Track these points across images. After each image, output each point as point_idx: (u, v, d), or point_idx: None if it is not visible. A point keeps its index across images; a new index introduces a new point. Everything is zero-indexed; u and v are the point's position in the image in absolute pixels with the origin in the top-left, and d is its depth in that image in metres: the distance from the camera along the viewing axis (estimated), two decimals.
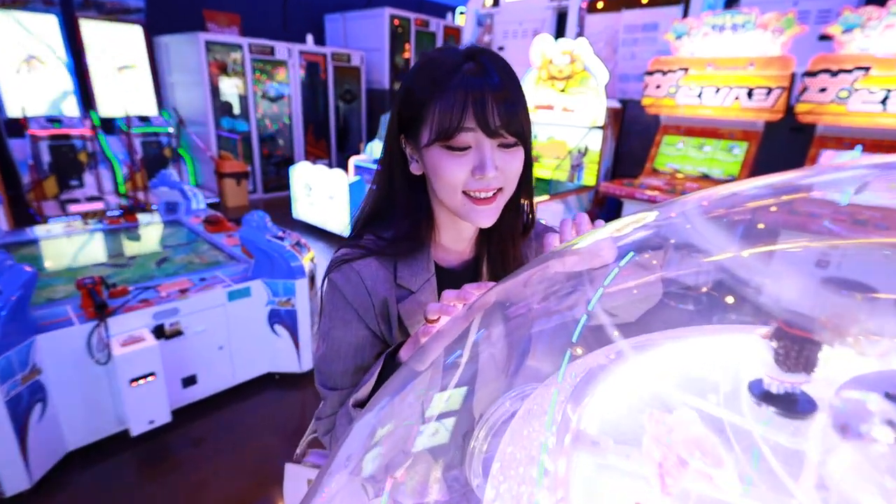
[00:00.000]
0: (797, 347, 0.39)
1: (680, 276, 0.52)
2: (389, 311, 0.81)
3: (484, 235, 0.88)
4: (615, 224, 0.59)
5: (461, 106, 0.70)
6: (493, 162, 0.73)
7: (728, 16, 4.28)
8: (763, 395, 0.41)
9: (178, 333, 2.64)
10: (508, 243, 0.86)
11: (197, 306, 2.69)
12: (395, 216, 0.83)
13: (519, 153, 0.75)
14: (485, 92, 0.70)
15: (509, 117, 0.71)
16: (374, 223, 0.86)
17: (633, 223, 0.55)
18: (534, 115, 5.35)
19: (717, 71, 4.34)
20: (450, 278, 0.85)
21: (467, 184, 0.74)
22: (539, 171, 5.42)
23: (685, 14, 5.13)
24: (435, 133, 0.72)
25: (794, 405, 0.40)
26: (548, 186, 5.10)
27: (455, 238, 0.86)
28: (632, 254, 0.50)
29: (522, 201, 0.85)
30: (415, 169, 0.79)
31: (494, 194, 0.75)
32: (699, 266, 0.51)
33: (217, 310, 2.77)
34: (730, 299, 0.46)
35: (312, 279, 3.09)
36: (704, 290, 0.50)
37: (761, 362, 0.42)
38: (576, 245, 0.58)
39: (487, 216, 0.77)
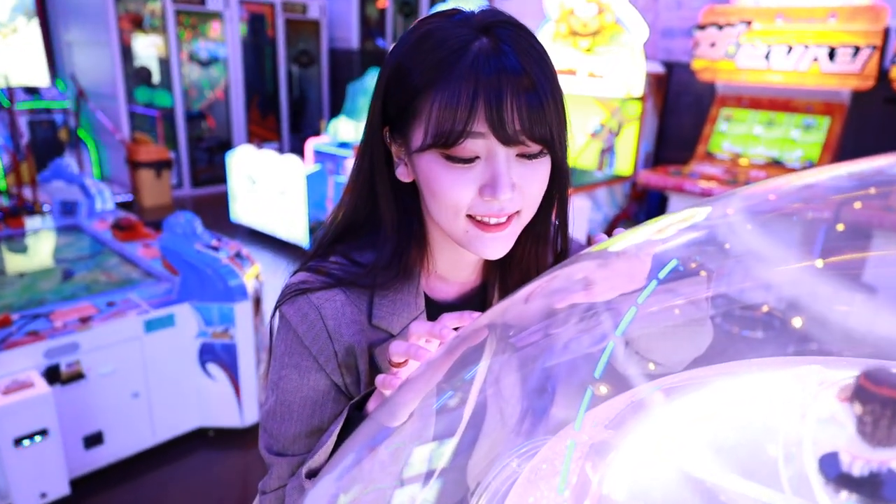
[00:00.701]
0: (889, 413, 0.39)
1: (735, 293, 0.53)
2: (357, 361, 0.81)
3: (496, 261, 0.86)
4: (653, 225, 0.59)
5: (469, 102, 0.68)
6: (510, 179, 0.72)
7: None
8: (840, 479, 0.41)
9: (79, 377, 2.62)
10: (530, 276, 0.84)
11: (103, 340, 2.67)
12: (375, 234, 0.83)
13: (544, 165, 0.74)
14: (501, 82, 0.68)
15: (533, 117, 0.69)
16: (345, 239, 0.86)
17: (676, 223, 0.56)
18: None
19: (788, 24, 4.41)
20: None
21: (473, 206, 0.73)
22: None
23: None
24: (432, 136, 0.70)
25: (879, 489, 0.40)
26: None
27: (453, 265, 0.86)
28: (675, 261, 0.51)
29: (554, 221, 0.84)
30: (402, 174, 0.79)
31: (509, 218, 0.75)
32: (760, 281, 0.52)
33: (131, 344, 2.76)
34: (797, 323, 0.47)
35: (258, 303, 3.08)
36: (764, 311, 0.50)
37: (834, 419, 0.42)
38: (598, 257, 0.58)
39: (497, 247, 0.76)
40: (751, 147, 4.73)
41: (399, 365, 0.68)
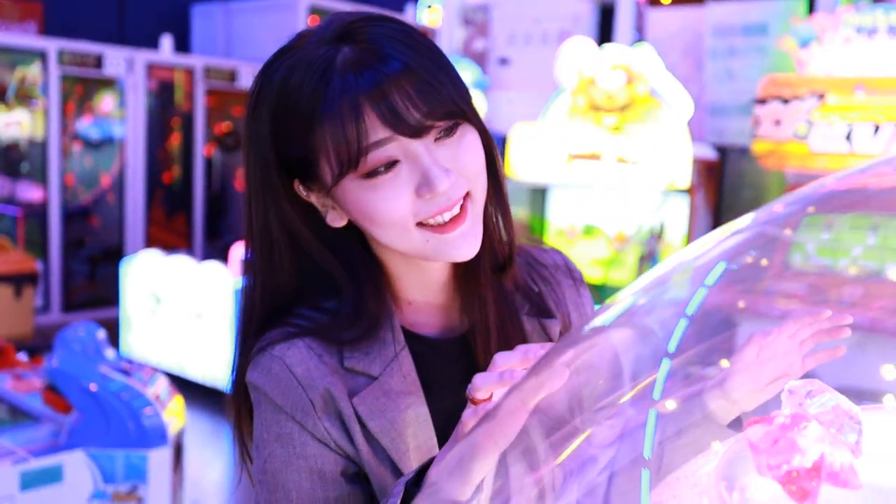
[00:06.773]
0: None
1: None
2: (341, 411, 0.95)
3: (459, 278, 1.05)
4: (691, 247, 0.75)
5: (354, 116, 0.86)
6: (440, 166, 0.90)
7: (880, 12, 4.76)
8: None
9: None
10: (484, 290, 1.04)
11: None
12: (328, 290, 1.02)
13: (466, 133, 0.93)
14: (379, 80, 0.86)
15: (428, 98, 0.88)
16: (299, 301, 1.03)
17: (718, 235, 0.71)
18: (569, 168, 5.71)
19: (871, 97, 4.73)
20: (431, 352, 1.04)
21: (419, 211, 0.91)
22: (584, 267, 5.67)
23: (810, 9, 5.66)
24: (337, 166, 0.89)
25: None
26: (599, 292, 5.30)
27: (421, 288, 1.05)
28: (723, 265, 0.70)
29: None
30: (335, 220, 0.98)
31: (462, 207, 0.93)
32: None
33: None
34: None
35: (179, 452, 3.11)
36: None
37: None
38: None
39: (467, 243, 0.94)
40: (841, 255, 4.95)
41: (482, 402, 0.80)
